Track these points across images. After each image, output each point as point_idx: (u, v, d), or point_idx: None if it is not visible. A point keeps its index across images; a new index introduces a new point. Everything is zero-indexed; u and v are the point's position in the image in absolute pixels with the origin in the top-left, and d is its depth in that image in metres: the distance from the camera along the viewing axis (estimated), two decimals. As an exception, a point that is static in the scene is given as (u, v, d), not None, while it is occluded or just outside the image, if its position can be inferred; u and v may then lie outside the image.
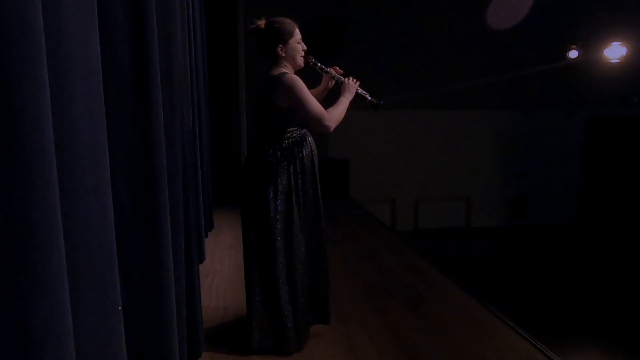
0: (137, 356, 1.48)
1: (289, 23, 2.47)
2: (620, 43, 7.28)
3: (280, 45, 2.45)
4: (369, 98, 2.55)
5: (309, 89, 2.47)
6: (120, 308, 1.21)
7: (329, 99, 2.60)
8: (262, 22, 2.49)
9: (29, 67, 0.79)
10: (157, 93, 1.54)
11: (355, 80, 2.57)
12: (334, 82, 2.63)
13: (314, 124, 2.43)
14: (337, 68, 2.63)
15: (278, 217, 2.44)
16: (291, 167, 2.46)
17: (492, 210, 8.40)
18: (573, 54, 7.80)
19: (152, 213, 1.52)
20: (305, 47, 2.53)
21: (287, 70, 2.47)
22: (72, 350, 0.89)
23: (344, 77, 2.59)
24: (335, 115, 2.43)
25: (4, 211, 0.77)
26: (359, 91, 2.55)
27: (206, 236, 4.51)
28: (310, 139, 2.58)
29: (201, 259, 3.80)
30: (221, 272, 3.78)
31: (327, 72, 2.61)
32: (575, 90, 8.10)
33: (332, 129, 2.43)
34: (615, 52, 7.34)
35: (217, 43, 5.75)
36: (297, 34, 2.49)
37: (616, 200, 8.32)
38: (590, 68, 7.71)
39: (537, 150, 8.37)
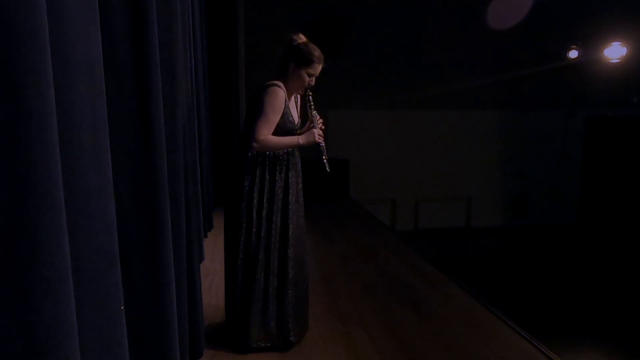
0: (138, 355, 1.48)
1: (317, 56, 2.50)
2: (620, 43, 7.29)
3: (293, 65, 2.50)
4: (325, 159, 2.58)
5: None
6: (122, 307, 1.21)
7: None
8: (302, 40, 2.54)
9: (35, 67, 0.79)
10: (158, 93, 1.55)
11: (321, 137, 2.58)
12: (311, 124, 2.66)
13: (249, 135, 2.46)
14: (321, 121, 2.65)
15: (260, 222, 2.50)
16: (276, 173, 2.51)
17: (492, 210, 8.40)
18: (573, 54, 7.81)
19: (153, 213, 1.53)
20: (312, 84, 2.56)
21: (281, 86, 2.50)
22: (77, 350, 0.89)
23: (318, 127, 2.60)
24: (269, 144, 2.47)
25: (9, 212, 0.78)
26: (321, 145, 2.57)
27: (206, 236, 4.51)
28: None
29: (201, 258, 3.80)
30: (221, 272, 3.75)
31: (311, 113, 2.63)
32: (575, 90, 8.11)
33: (254, 151, 2.48)
34: (615, 52, 7.35)
35: (217, 43, 5.74)
36: (316, 70, 2.52)
37: (616, 200, 8.33)
38: (590, 68, 7.71)
39: (537, 150, 8.38)
